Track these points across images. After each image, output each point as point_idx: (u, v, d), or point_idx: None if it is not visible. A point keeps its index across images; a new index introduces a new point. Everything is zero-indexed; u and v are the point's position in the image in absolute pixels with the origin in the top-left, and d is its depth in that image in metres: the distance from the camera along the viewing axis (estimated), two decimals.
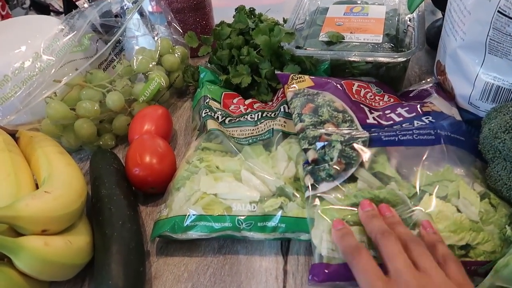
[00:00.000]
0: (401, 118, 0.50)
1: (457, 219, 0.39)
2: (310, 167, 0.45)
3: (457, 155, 0.45)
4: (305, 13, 0.71)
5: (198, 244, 0.48)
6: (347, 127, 0.48)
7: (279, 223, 0.44)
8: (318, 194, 0.43)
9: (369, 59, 0.58)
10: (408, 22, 0.65)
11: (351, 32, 0.63)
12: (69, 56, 0.59)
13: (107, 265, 0.41)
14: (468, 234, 0.38)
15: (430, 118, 0.49)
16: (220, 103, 0.59)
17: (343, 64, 0.61)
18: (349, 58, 0.58)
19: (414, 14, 0.65)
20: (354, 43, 0.61)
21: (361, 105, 0.51)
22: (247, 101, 0.61)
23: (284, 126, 0.53)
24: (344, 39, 0.62)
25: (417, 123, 0.48)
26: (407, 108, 0.51)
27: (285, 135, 0.52)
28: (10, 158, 0.48)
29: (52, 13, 1.10)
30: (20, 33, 0.59)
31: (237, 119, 0.56)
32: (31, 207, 0.39)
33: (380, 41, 0.61)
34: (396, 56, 0.57)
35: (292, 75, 0.55)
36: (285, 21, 0.71)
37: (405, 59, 0.56)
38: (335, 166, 0.43)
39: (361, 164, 0.44)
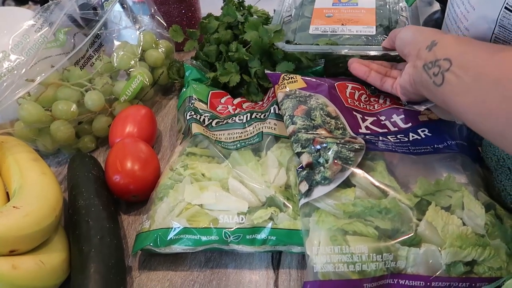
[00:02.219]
0: (396, 128, 0.47)
1: (463, 233, 0.37)
2: (305, 172, 0.42)
3: (459, 161, 0.42)
4: (291, 4, 0.67)
5: (184, 257, 0.45)
6: (340, 134, 0.45)
7: (269, 235, 0.42)
8: (313, 202, 0.40)
9: (365, 53, 0.55)
10: (401, 12, 0.61)
11: (342, 24, 0.59)
12: (43, 52, 0.55)
13: (84, 286, 0.38)
14: (474, 250, 0.36)
15: (426, 132, 0.46)
16: (206, 103, 0.56)
17: (337, 58, 0.58)
18: (344, 52, 0.55)
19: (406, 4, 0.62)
20: (346, 36, 0.58)
21: (354, 112, 0.48)
22: (236, 101, 0.58)
23: (275, 129, 0.49)
24: (336, 31, 0.58)
25: (413, 136, 0.45)
26: (402, 116, 0.48)
27: (276, 138, 0.49)
28: None
29: (30, 2, 1.05)
30: None
31: (225, 121, 0.53)
32: None
33: (374, 33, 0.57)
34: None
35: (283, 75, 0.52)
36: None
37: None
38: (330, 168, 0.40)
39: (359, 171, 0.41)
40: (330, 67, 0.59)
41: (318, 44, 0.56)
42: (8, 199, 0.45)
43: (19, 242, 0.37)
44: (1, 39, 0.49)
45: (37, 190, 0.42)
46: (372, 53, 0.55)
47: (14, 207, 0.38)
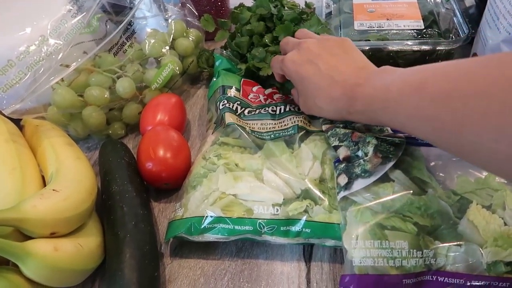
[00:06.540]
0: None
1: (504, 233, 0.36)
2: (343, 165, 0.42)
3: None
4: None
5: (215, 246, 0.45)
6: (378, 130, 0.44)
7: (303, 228, 0.41)
8: (350, 196, 0.40)
9: (424, 47, 0.55)
10: (445, 5, 0.60)
11: (387, 19, 0.59)
12: (77, 37, 0.55)
13: (120, 270, 0.38)
14: None
15: None
16: (239, 90, 0.55)
17: (387, 54, 0.57)
18: (399, 47, 0.55)
19: None
20: (394, 31, 0.57)
21: None
22: (267, 91, 0.57)
23: (309, 125, 0.49)
24: (383, 27, 0.58)
25: None
26: None
27: (307, 133, 0.48)
28: (15, 150, 0.45)
29: None
30: (24, 13, 0.54)
31: (257, 111, 0.52)
32: (39, 208, 0.36)
33: (423, 27, 0.57)
34: (445, 43, 0.54)
35: None
36: (307, 5, 0.66)
37: (458, 45, 0.54)
38: (371, 160, 0.40)
39: (397, 166, 0.40)
40: (379, 63, 0.58)
41: (369, 40, 0.55)
42: (44, 182, 0.45)
43: (59, 225, 0.37)
44: (40, 23, 0.49)
45: (73, 174, 0.43)
46: (426, 47, 0.55)
47: (54, 190, 0.39)
